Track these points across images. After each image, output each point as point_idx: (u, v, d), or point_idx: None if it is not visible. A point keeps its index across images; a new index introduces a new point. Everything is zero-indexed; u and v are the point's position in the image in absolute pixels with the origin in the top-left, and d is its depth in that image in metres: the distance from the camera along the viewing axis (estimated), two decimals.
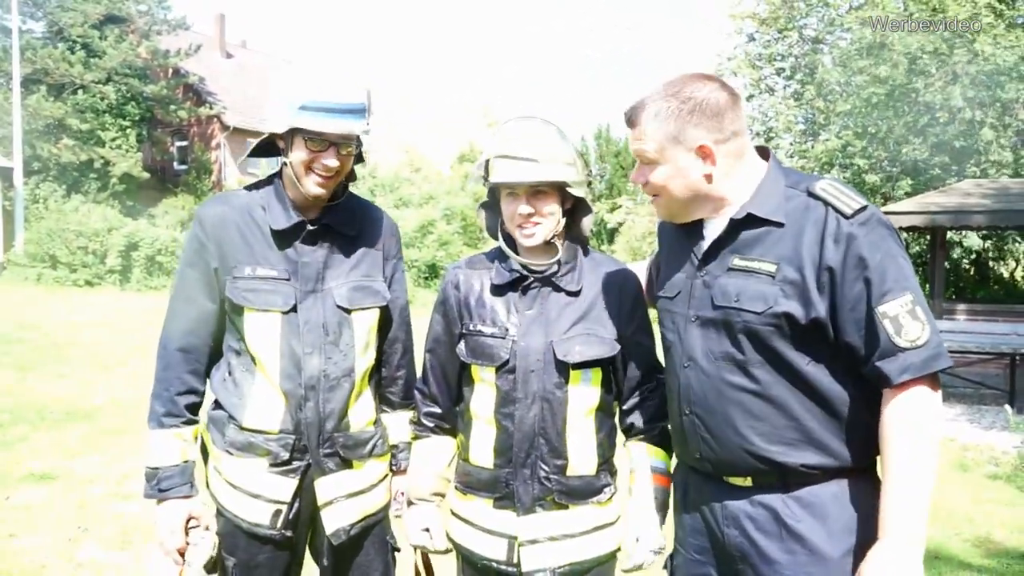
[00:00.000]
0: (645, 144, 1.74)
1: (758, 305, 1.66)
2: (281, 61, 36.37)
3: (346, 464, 2.11)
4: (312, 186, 2.01)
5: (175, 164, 30.50)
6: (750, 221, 1.71)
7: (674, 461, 2.04)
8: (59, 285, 19.15)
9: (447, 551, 2.15)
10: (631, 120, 1.76)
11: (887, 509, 1.58)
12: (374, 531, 2.19)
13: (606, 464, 2.09)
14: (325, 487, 2.09)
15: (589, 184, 2.14)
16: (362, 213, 2.20)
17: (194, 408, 2.08)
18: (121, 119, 26.43)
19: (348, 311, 2.09)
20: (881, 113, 12.89)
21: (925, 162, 13.23)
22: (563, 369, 1.99)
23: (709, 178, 1.72)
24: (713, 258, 1.77)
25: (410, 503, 2.18)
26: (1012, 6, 12.27)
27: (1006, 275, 16.91)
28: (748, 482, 1.73)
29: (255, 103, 31.37)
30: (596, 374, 2.03)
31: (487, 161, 2.02)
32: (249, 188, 2.13)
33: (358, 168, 2.25)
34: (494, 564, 2.04)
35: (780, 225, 1.67)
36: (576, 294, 2.04)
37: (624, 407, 2.11)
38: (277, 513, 2.04)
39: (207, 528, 2.04)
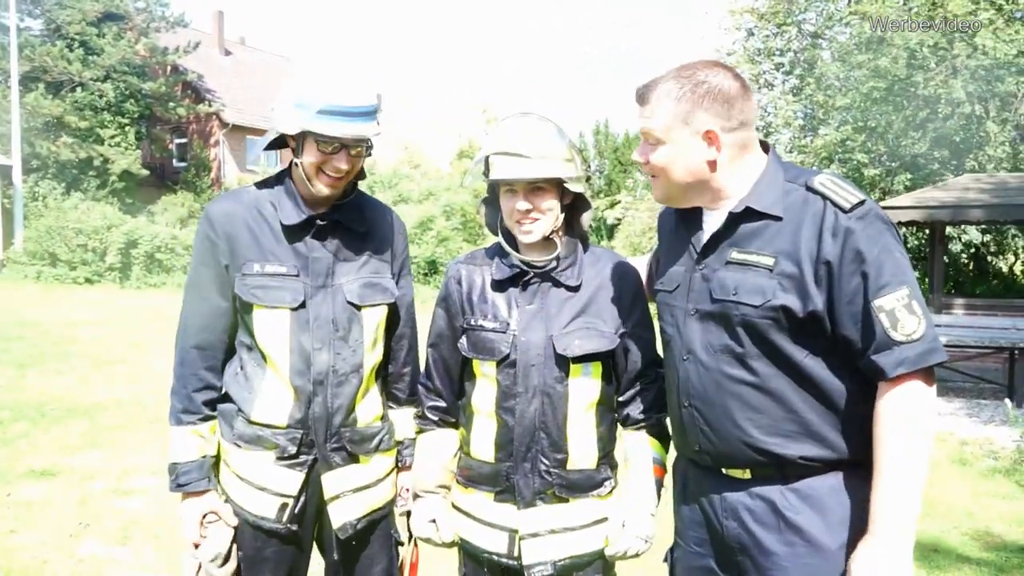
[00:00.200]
0: (653, 122, 1.74)
1: (756, 298, 1.67)
2: (279, 58, 36.40)
3: (353, 459, 2.13)
4: (323, 187, 2.02)
5: (174, 161, 30.48)
6: (749, 215, 1.71)
7: (670, 452, 2.05)
8: (59, 283, 19.16)
9: (452, 543, 2.16)
10: (642, 97, 1.76)
11: (878, 503, 1.58)
12: (379, 525, 2.20)
13: (606, 458, 2.09)
14: (332, 481, 2.10)
15: (588, 180, 2.15)
16: (371, 210, 2.21)
17: (212, 404, 2.11)
18: (120, 117, 26.41)
19: (358, 307, 2.10)
20: (880, 108, 12.89)
21: (924, 156, 13.23)
22: (563, 363, 2.00)
23: (712, 165, 1.72)
24: (712, 251, 1.77)
25: (416, 496, 2.19)
26: (1012, 0, 12.27)
27: (1005, 270, 16.91)
28: (747, 474, 1.74)
29: (254, 100, 31.38)
30: (596, 368, 2.04)
31: (486, 158, 2.03)
32: (258, 185, 2.13)
33: None
34: (495, 557, 2.05)
35: (778, 219, 1.68)
36: (576, 289, 2.05)
37: (621, 398, 2.11)
38: (283, 507, 2.05)
39: (227, 523, 2.06)
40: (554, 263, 2.04)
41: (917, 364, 1.57)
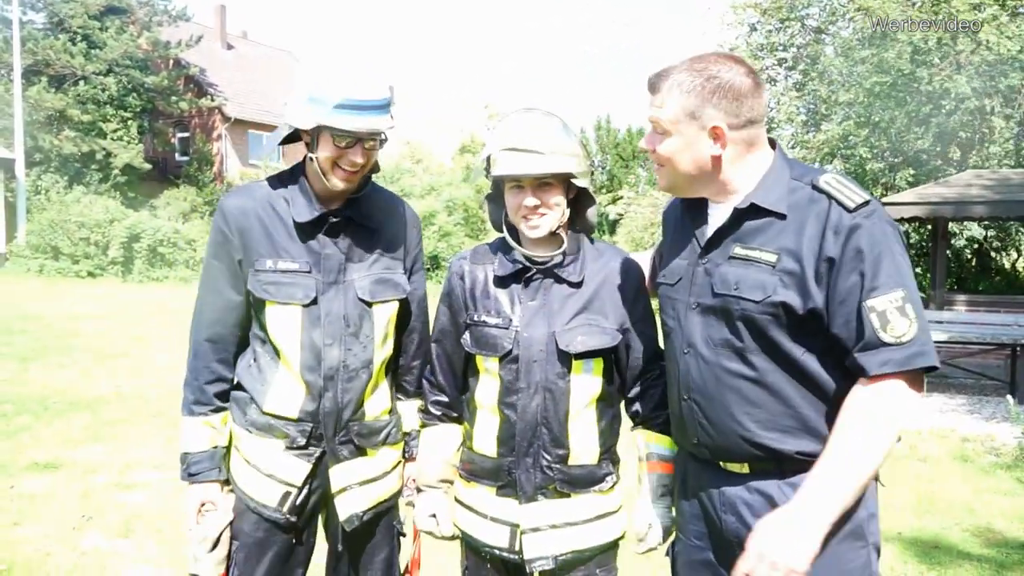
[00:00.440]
0: (661, 113, 1.73)
1: (757, 294, 1.67)
2: (282, 52, 36.36)
3: (360, 452, 2.14)
4: (338, 181, 2.02)
5: (176, 155, 30.50)
6: (753, 211, 1.71)
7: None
8: (61, 276, 19.19)
9: (453, 537, 2.17)
10: (653, 85, 1.75)
11: (811, 481, 1.59)
12: (384, 517, 2.22)
13: (608, 453, 2.10)
14: (339, 474, 2.11)
15: (591, 174, 2.15)
16: (384, 205, 2.21)
17: (223, 395, 2.13)
18: (122, 110, 26.41)
19: (369, 304, 2.11)
20: (883, 103, 12.85)
21: (927, 152, 13.20)
22: (565, 359, 2.00)
23: (717, 160, 1.72)
24: (716, 246, 1.77)
25: (418, 489, 2.20)
26: None
27: (1007, 266, 16.89)
28: (745, 469, 1.75)
29: (256, 94, 31.38)
30: (598, 364, 2.04)
31: (490, 154, 2.02)
32: (271, 180, 2.14)
33: None
34: (497, 551, 2.06)
35: (783, 217, 1.68)
36: (578, 285, 2.05)
37: (629, 395, 2.12)
38: (285, 495, 2.07)
39: (222, 512, 2.08)
40: (559, 259, 2.04)
41: (902, 366, 1.56)
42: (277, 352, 2.07)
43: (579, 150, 2.02)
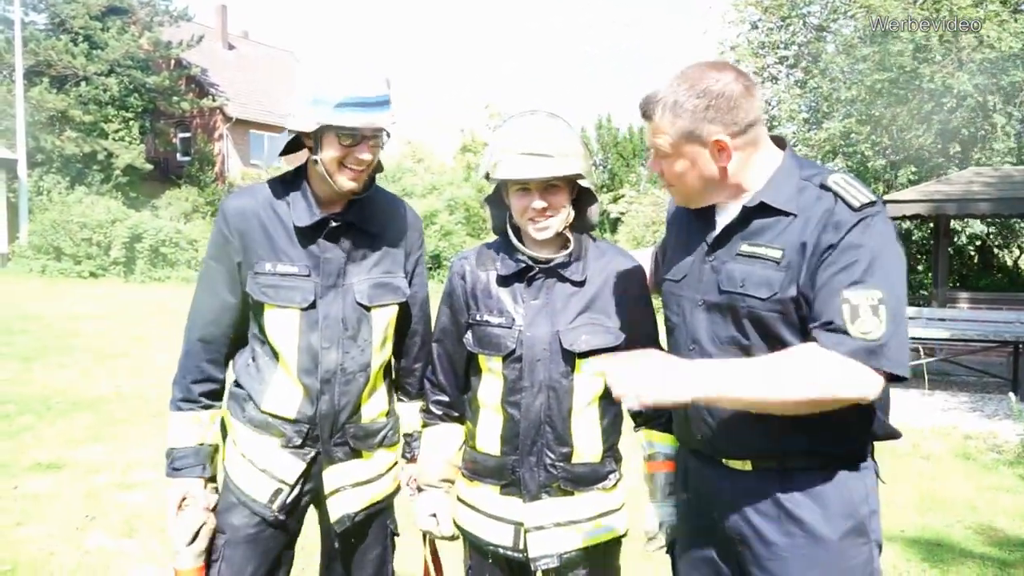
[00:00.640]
0: (660, 139, 1.74)
1: (763, 291, 1.67)
2: (283, 52, 36.36)
3: (355, 454, 2.14)
4: (346, 181, 2.01)
5: (178, 156, 30.52)
6: (762, 209, 1.71)
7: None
8: (63, 276, 19.21)
9: (454, 537, 2.17)
10: (645, 113, 1.75)
11: (719, 363, 1.63)
12: (377, 518, 2.22)
13: (611, 451, 2.10)
14: (332, 476, 2.12)
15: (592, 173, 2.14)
16: (385, 207, 2.20)
17: (211, 395, 2.13)
18: (124, 111, 26.42)
19: (368, 308, 2.11)
20: (885, 100, 12.84)
21: (928, 150, 13.19)
22: (569, 358, 2.01)
23: (724, 170, 1.72)
24: (723, 244, 1.77)
25: (419, 489, 2.20)
26: None
27: (1010, 263, 16.87)
28: (748, 466, 1.75)
29: (257, 94, 31.40)
30: None
31: (494, 155, 2.01)
32: (273, 182, 2.13)
33: None
34: (501, 550, 2.06)
35: (792, 216, 1.68)
36: (581, 284, 2.05)
37: None
38: (277, 492, 2.07)
39: (204, 508, 2.08)
40: (565, 259, 2.04)
41: (856, 355, 1.54)
42: (275, 354, 2.08)
43: (583, 150, 2.03)
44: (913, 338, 8.66)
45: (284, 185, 2.11)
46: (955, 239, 14.38)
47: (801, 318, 1.65)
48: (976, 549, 4.28)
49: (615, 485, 2.11)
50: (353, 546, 2.20)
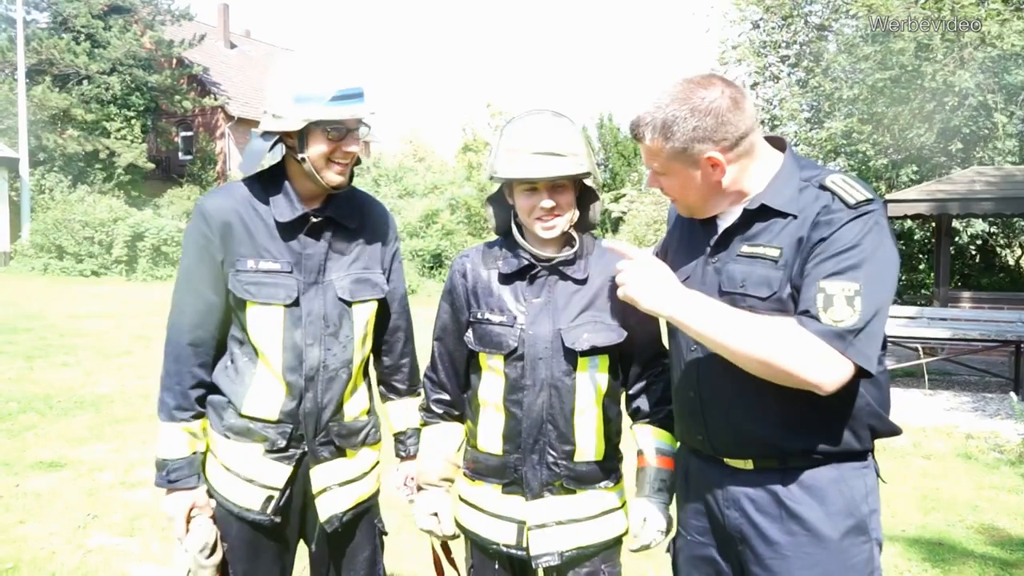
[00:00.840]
0: (653, 160, 1.76)
1: (763, 290, 1.68)
2: (285, 51, 36.36)
3: (340, 452, 2.14)
4: (333, 176, 2.01)
5: (180, 154, 30.56)
6: (763, 211, 1.72)
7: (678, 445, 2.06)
8: (65, 275, 19.24)
9: (455, 536, 2.17)
10: (635, 135, 1.77)
11: (707, 299, 1.68)
12: (364, 517, 2.23)
13: (613, 450, 2.11)
14: (320, 475, 2.11)
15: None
16: (361, 205, 2.21)
17: (203, 401, 2.10)
18: (126, 109, 26.47)
19: (349, 304, 2.11)
20: (887, 99, 12.82)
21: (930, 149, 13.17)
22: (571, 356, 2.01)
23: (720, 184, 1.73)
24: (724, 246, 1.78)
25: (420, 488, 2.20)
26: None
27: (1012, 262, 16.84)
28: (749, 465, 1.75)
29: (259, 93, 31.37)
30: (603, 361, 2.04)
31: (500, 155, 2.00)
32: (249, 180, 2.11)
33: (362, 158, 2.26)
34: (504, 549, 2.06)
35: (792, 216, 1.68)
36: (583, 282, 2.05)
37: (630, 391, 2.12)
38: (269, 499, 2.06)
39: (211, 516, 2.07)
40: (571, 256, 2.05)
41: (822, 335, 1.54)
42: (257, 352, 2.06)
43: (588, 149, 2.04)
44: (914, 338, 8.66)
45: (262, 183, 2.08)
46: (956, 238, 14.36)
47: None
48: (978, 549, 4.28)
49: (617, 484, 2.11)
50: (343, 548, 2.20)
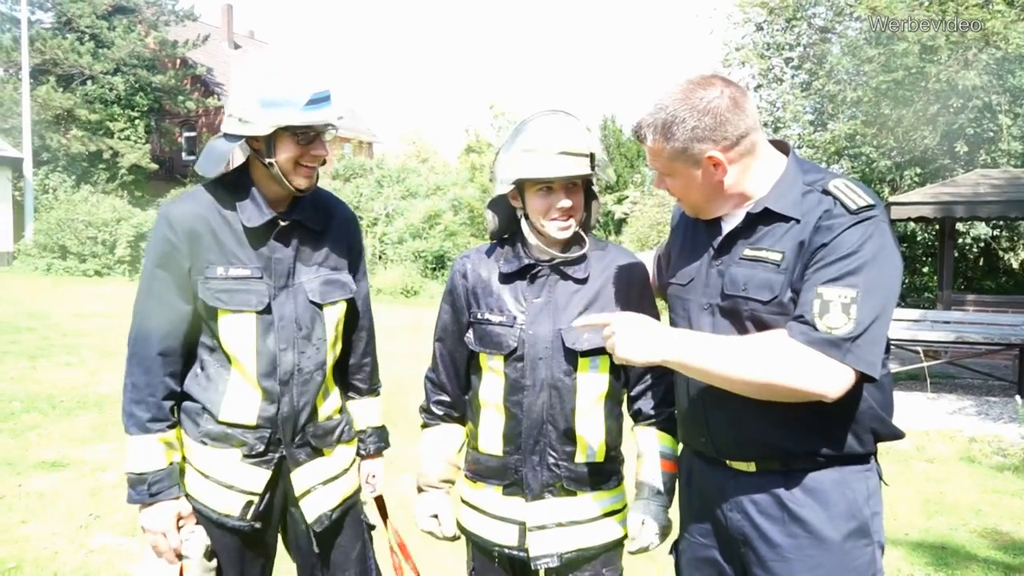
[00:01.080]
0: (656, 161, 1.77)
1: (764, 294, 1.68)
2: (288, 51, 36.38)
3: (317, 452, 2.14)
4: (302, 180, 2.00)
5: (183, 155, 30.61)
6: (766, 215, 1.72)
7: (680, 446, 2.06)
8: (68, 275, 19.27)
9: (455, 537, 2.17)
10: (638, 137, 1.79)
11: (694, 335, 1.70)
12: (350, 513, 2.23)
13: (614, 451, 2.10)
14: (301, 477, 2.11)
15: None
16: (325, 206, 2.19)
17: (174, 410, 2.06)
18: (130, 110, 26.52)
19: (320, 306, 2.10)
20: (890, 101, 12.80)
21: (934, 151, 13.15)
22: (571, 357, 2.00)
23: (723, 183, 1.73)
24: (728, 250, 1.78)
25: (419, 490, 2.20)
26: None
27: (1015, 266, 16.80)
28: (752, 467, 1.75)
29: None
30: (604, 361, 2.04)
31: (514, 157, 1.99)
32: (212, 185, 2.06)
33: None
34: (505, 550, 2.06)
35: (795, 220, 1.68)
36: (583, 281, 2.05)
37: (632, 393, 2.12)
38: (248, 504, 2.05)
39: (196, 522, 2.05)
40: (579, 255, 2.05)
41: (815, 344, 1.55)
42: (229, 359, 2.03)
43: (601, 147, 2.05)
44: (917, 341, 8.65)
45: (226, 188, 2.04)
46: (959, 241, 14.34)
47: None
48: (981, 553, 4.27)
49: (618, 486, 2.11)
50: (333, 548, 2.20)
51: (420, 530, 2.21)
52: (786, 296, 1.65)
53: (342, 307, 2.17)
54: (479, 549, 2.13)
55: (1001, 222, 13.96)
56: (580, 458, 2.03)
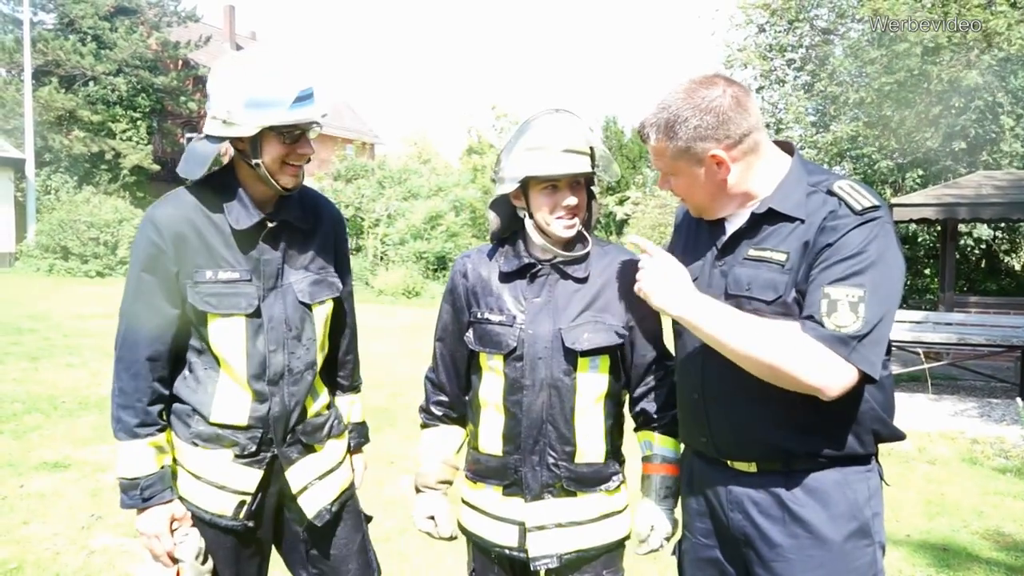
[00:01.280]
0: (660, 161, 1.79)
1: (768, 294, 1.68)
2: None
3: (308, 449, 2.14)
4: (288, 179, 1.99)
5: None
6: (771, 215, 1.72)
7: (682, 447, 2.06)
8: (70, 276, 19.28)
9: (452, 538, 2.17)
10: (641, 136, 1.80)
11: (721, 305, 1.70)
12: (348, 505, 2.24)
13: (614, 452, 2.10)
14: (296, 475, 2.11)
15: None
16: (311, 204, 2.18)
17: (163, 414, 2.05)
18: (132, 111, 26.54)
19: (310, 306, 2.10)
20: (893, 103, 12.79)
21: (937, 152, 13.14)
22: (571, 357, 2.00)
23: (726, 182, 1.74)
24: (732, 250, 1.79)
25: (418, 490, 2.20)
26: None
27: (1017, 267, 16.79)
28: (753, 467, 1.75)
29: None
30: (604, 361, 2.04)
31: (517, 155, 1.99)
32: (195, 187, 2.03)
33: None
34: (506, 551, 2.06)
35: (800, 221, 1.69)
36: (584, 281, 2.05)
37: (634, 395, 2.12)
38: (241, 504, 2.05)
39: (192, 525, 2.05)
40: (580, 254, 2.05)
41: (825, 340, 1.56)
42: (218, 361, 2.03)
43: (604, 146, 2.07)
44: (918, 342, 8.63)
45: (211, 189, 2.02)
46: (961, 241, 14.33)
47: None
48: (983, 554, 4.26)
49: (618, 487, 2.10)
50: (333, 543, 2.20)
51: (418, 530, 2.21)
52: (790, 296, 1.65)
53: (330, 306, 2.18)
54: (479, 550, 2.13)
55: (1002, 224, 13.95)
56: (580, 458, 2.03)
